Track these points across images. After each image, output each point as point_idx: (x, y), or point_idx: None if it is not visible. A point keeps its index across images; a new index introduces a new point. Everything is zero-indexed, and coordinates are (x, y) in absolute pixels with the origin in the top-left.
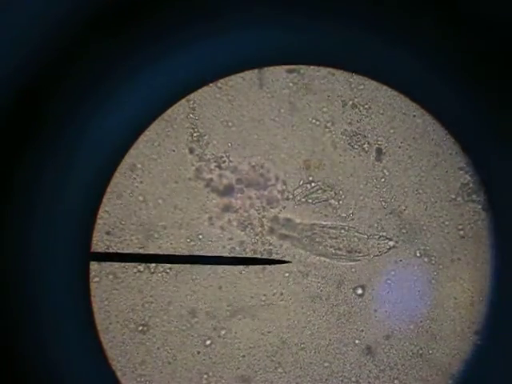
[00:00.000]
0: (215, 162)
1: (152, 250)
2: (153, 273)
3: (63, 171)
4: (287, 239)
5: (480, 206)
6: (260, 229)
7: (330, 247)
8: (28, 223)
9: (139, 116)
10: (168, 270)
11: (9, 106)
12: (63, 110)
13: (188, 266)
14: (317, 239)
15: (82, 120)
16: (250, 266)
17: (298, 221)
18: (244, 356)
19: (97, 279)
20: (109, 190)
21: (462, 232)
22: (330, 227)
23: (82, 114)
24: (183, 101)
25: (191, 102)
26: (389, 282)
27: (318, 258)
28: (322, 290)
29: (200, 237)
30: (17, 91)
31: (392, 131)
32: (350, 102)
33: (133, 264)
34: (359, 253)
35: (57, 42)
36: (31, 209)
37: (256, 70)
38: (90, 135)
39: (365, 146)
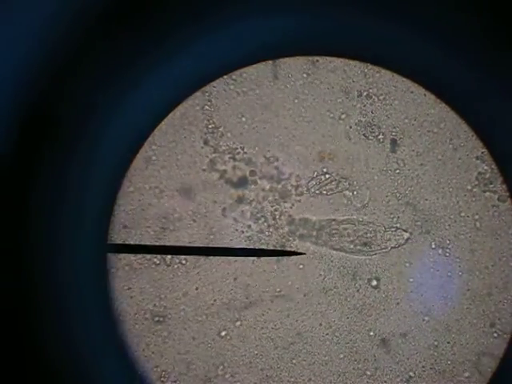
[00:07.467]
0: (229, 153)
1: (168, 241)
2: (169, 265)
3: (83, 167)
4: (301, 231)
5: (497, 197)
6: (273, 221)
7: (346, 241)
8: (52, 218)
9: (156, 110)
10: (184, 262)
11: (28, 108)
12: (82, 106)
13: (203, 257)
14: (332, 233)
15: (100, 117)
16: (265, 258)
17: (312, 213)
18: (259, 347)
19: (113, 271)
20: (125, 182)
21: (478, 223)
22: (345, 221)
23: (99, 112)
24: (198, 93)
25: (206, 94)
26: (404, 273)
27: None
28: (336, 282)
29: (214, 229)
30: (36, 90)
31: (407, 121)
32: (365, 93)
33: (149, 256)
34: (375, 246)
35: (75, 34)
36: (54, 204)
37: (270, 62)
38: (109, 131)
39: (379, 136)
